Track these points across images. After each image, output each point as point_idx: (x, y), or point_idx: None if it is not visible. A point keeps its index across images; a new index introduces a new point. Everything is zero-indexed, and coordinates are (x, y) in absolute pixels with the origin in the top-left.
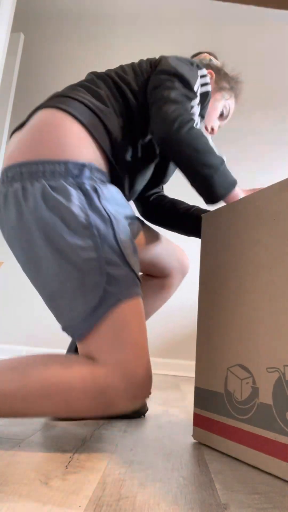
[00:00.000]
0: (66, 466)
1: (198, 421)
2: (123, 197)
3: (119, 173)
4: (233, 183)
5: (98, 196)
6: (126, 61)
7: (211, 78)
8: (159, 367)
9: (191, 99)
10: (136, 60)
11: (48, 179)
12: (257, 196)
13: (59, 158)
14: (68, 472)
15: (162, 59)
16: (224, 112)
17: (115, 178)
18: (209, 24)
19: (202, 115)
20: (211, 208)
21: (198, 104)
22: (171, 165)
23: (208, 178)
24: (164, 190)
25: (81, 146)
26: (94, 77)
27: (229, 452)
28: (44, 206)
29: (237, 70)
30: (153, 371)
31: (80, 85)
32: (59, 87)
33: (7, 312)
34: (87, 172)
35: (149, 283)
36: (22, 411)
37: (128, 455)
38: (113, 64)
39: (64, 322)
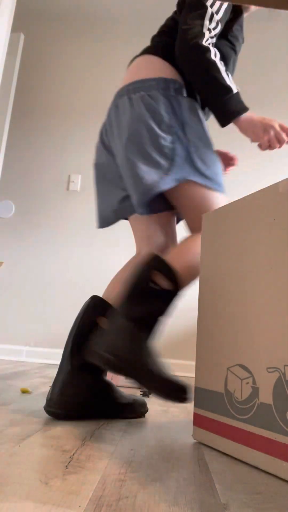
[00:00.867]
0: (66, 466)
1: (198, 421)
2: (200, 110)
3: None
4: (246, 108)
5: (179, 105)
6: (126, 60)
7: None
8: None
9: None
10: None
11: (146, 90)
12: (257, 196)
13: (153, 76)
14: (68, 472)
15: None
16: None
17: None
18: None
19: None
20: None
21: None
22: None
23: (225, 97)
24: None
25: (166, 70)
26: (165, 24)
27: (229, 452)
28: (143, 106)
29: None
30: None
31: (158, 33)
32: (59, 87)
33: (7, 312)
34: (172, 85)
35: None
36: (189, 281)
37: (128, 455)
38: (113, 64)
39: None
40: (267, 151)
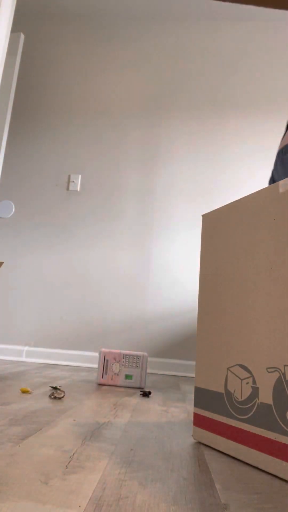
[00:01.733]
0: (66, 466)
1: (198, 421)
2: None
3: None
4: None
5: None
6: (126, 60)
7: None
8: (159, 367)
9: None
10: (135, 59)
11: None
12: (257, 196)
13: None
14: (68, 472)
15: None
16: None
17: None
18: (210, 23)
19: None
20: None
21: None
22: None
23: None
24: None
25: None
26: None
27: (229, 452)
28: None
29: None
30: (153, 371)
31: None
32: (59, 87)
33: (7, 312)
34: None
35: None
36: None
37: (128, 455)
38: (113, 64)
39: None
40: (267, 152)
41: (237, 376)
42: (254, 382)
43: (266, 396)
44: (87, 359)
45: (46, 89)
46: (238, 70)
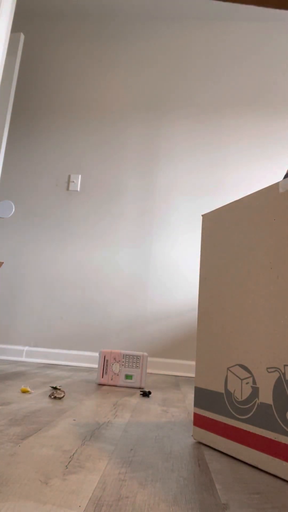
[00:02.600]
0: (66, 466)
1: (198, 421)
2: None
3: None
4: None
5: None
6: (126, 60)
7: None
8: (159, 367)
9: None
10: (135, 59)
11: None
12: (257, 196)
13: None
14: (68, 472)
15: None
16: None
17: None
18: (209, 23)
19: None
20: None
21: None
22: None
23: None
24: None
25: None
26: None
27: (229, 452)
28: None
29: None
30: (153, 371)
31: None
32: (59, 87)
33: (8, 312)
34: None
35: None
36: None
37: (128, 455)
38: (113, 64)
39: None
40: (267, 152)
41: (237, 376)
42: (254, 382)
43: (266, 396)
44: (87, 359)
45: (46, 89)
46: (238, 70)
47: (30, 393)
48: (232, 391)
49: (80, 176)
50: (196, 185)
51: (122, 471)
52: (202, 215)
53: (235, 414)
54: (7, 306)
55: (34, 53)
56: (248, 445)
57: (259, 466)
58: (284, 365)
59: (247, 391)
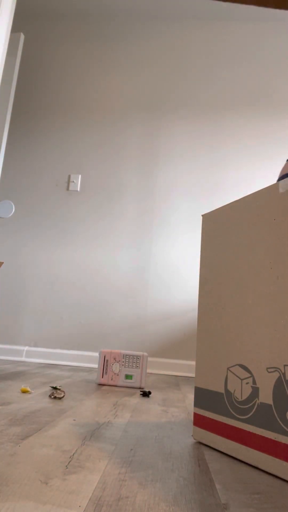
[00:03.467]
0: (66, 466)
1: (198, 421)
2: None
3: None
4: None
5: None
6: (126, 60)
7: None
8: (159, 367)
9: None
10: (135, 59)
11: None
12: (257, 196)
13: None
14: (68, 472)
15: None
16: None
17: None
18: (209, 24)
19: None
20: None
21: None
22: None
23: None
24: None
25: None
26: None
27: (229, 452)
28: None
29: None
30: (153, 371)
31: None
32: (59, 87)
33: (8, 312)
34: None
35: None
36: None
37: (128, 455)
38: (113, 64)
39: None
40: (267, 152)
41: (237, 376)
42: (254, 382)
43: (266, 396)
44: (87, 359)
45: (46, 89)
46: (238, 70)
47: (30, 393)
48: (232, 391)
49: (80, 176)
50: (196, 185)
51: (122, 471)
52: (202, 215)
53: (235, 414)
54: (7, 306)
55: (34, 53)
56: (248, 445)
57: (259, 466)
58: (284, 365)
59: (247, 391)
